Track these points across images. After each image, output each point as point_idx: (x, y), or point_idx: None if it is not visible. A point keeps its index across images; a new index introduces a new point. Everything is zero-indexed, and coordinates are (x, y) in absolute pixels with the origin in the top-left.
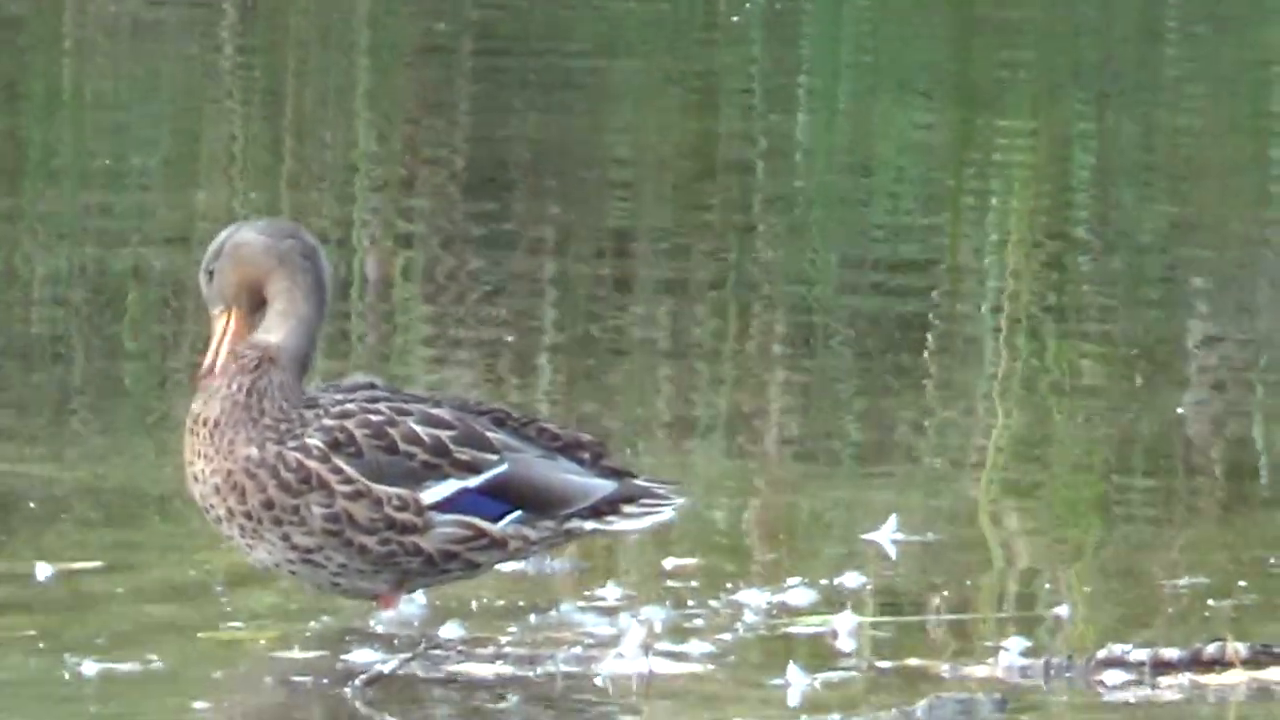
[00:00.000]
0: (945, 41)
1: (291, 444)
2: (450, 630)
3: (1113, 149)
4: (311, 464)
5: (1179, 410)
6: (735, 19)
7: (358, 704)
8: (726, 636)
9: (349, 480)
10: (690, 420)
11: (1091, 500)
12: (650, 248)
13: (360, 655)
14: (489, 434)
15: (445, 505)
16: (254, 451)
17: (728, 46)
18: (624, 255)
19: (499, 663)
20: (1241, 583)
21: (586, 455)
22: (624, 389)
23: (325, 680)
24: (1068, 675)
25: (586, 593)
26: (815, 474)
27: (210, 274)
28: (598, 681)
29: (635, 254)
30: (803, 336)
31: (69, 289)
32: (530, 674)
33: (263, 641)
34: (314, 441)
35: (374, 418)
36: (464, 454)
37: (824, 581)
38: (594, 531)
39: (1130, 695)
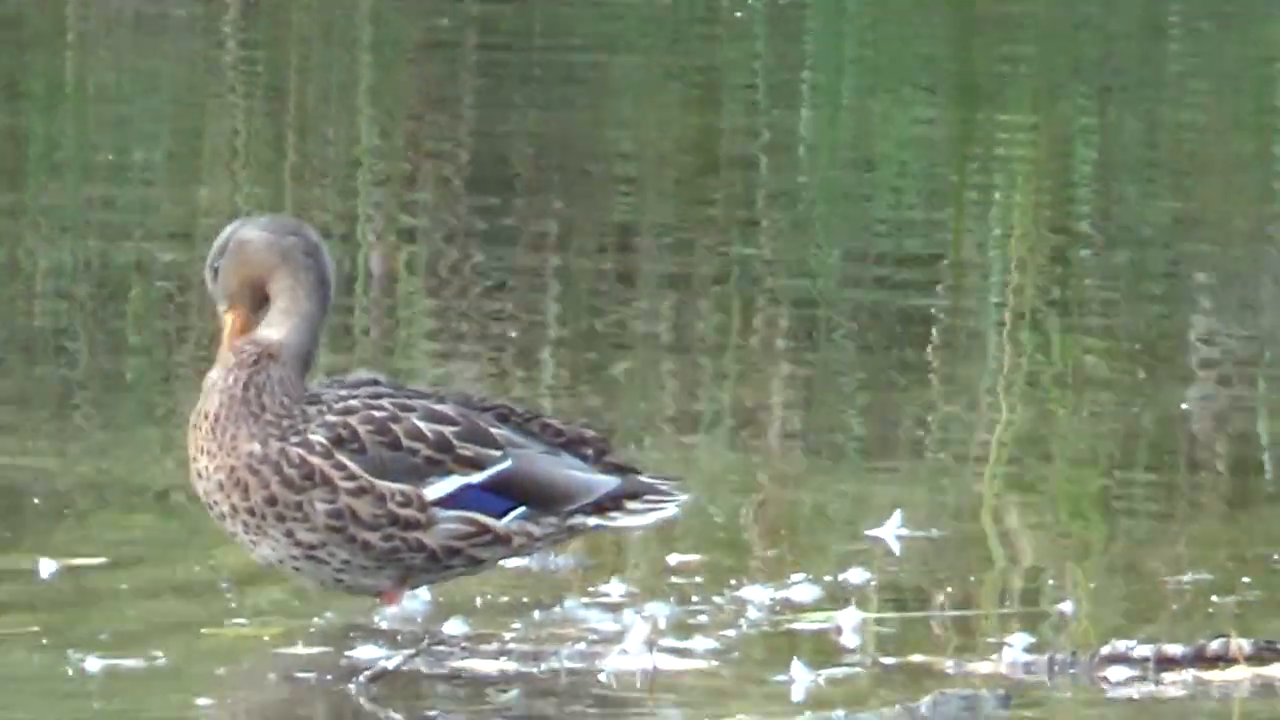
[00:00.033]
0: (948, 37)
1: (294, 440)
2: (454, 626)
3: (1115, 144)
4: (315, 460)
5: (1183, 405)
6: (738, 14)
7: (362, 700)
8: (730, 632)
9: (352, 476)
10: (694, 415)
11: (1095, 495)
12: (653, 242)
13: (364, 651)
14: (493, 430)
15: (449, 501)
16: (257, 448)
17: (730, 42)
18: (627, 250)
19: (503, 659)
20: (1245, 579)
21: (590, 451)
22: (627, 384)
23: (329, 676)
24: (1072, 671)
25: (590, 589)
26: (819, 469)
27: (215, 271)
28: (602, 678)
29: (638, 249)
30: (806, 331)
31: (72, 283)
32: (534, 670)
33: (267, 638)
34: (317, 437)
35: (377, 414)
36: (467, 450)
37: (828, 577)
38: (597, 527)
39: (1134, 691)
